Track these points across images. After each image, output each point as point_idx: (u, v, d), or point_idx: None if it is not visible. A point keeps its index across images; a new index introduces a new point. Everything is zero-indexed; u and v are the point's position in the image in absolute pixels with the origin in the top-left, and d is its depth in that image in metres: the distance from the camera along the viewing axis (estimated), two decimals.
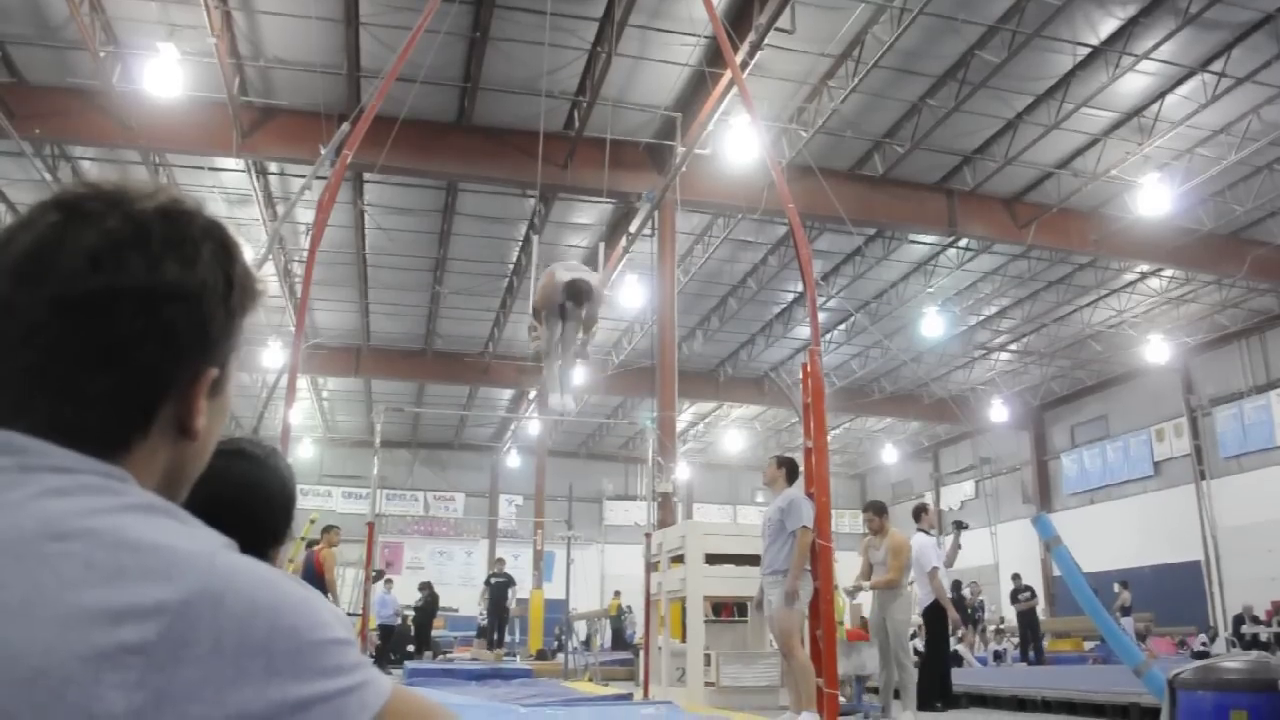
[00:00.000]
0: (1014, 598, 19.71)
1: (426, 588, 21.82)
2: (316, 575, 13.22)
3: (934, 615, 8.87)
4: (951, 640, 19.07)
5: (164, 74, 13.49)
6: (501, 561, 22.08)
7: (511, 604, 21.27)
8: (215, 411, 0.84)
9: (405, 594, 22.78)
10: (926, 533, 9.50)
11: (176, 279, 0.77)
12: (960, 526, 10.96)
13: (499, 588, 20.53)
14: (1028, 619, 19.43)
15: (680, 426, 24.42)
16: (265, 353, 22.47)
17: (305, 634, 0.69)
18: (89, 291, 0.74)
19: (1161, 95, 15.06)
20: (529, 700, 9.75)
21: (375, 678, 0.72)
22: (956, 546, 10.53)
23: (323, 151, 10.93)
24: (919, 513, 9.99)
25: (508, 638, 27.20)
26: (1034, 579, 22.93)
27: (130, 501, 0.72)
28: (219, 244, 0.82)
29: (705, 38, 13.63)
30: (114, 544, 0.67)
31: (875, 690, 9.47)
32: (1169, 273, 21.35)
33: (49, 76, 14.40)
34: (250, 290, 0.85)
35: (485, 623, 21.25)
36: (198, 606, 0.65)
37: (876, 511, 9.01)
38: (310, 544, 13.89)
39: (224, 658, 0.65)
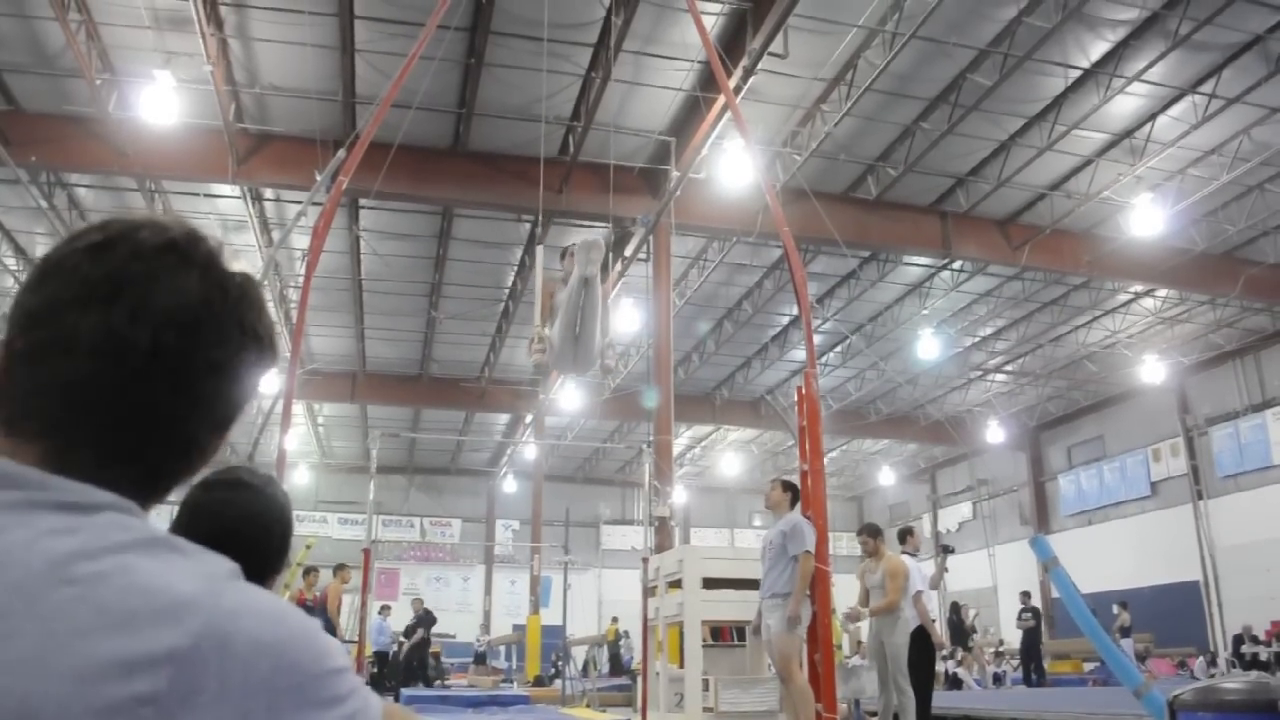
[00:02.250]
0: (1018, 617, 19.67)
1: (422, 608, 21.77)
2: (324, 608, 13.48)
3: (918, 640, 8.83)
4: (950, 663, 19.19)
5: (160, 101, 13.52)
6: (420, 601, 21.54)
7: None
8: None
9: (402, 620, 22.65)
10: (912, 555, 9.48)
11: (255, 356, 0.81)
12: (946, 550, 10.94)
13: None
14: (1027, 640, 19.35)
15: (677, 450, 24.38)
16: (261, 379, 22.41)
17: (307, 668, 0.69)
18: (208, 361, 0.77)
19: (1153, 117, 15.15)
20: None
21: (367, 703, 0.73)
22: (943, 570, 10.50)
23: (318, 178, 10.98)
24: (904, 535, 9.97)
25: (504, 664, 27.14)
26: (1033, 600, 22.88)
27: (136, 538, 0.71)
28: (268, 324, 0.84)
29: (699, 63, 13.70)
30: (123, 588, 0.66)
31: (874, 714, 9.43)
32: (1163, 293, 21.40)
33: (45, 104, 14.44)
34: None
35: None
36: (205, 650, 0.65)
37: (871, 534, 8.97)
38: (306, 571, 13.94)
39: (230, 700, 0.65)
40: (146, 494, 0.77)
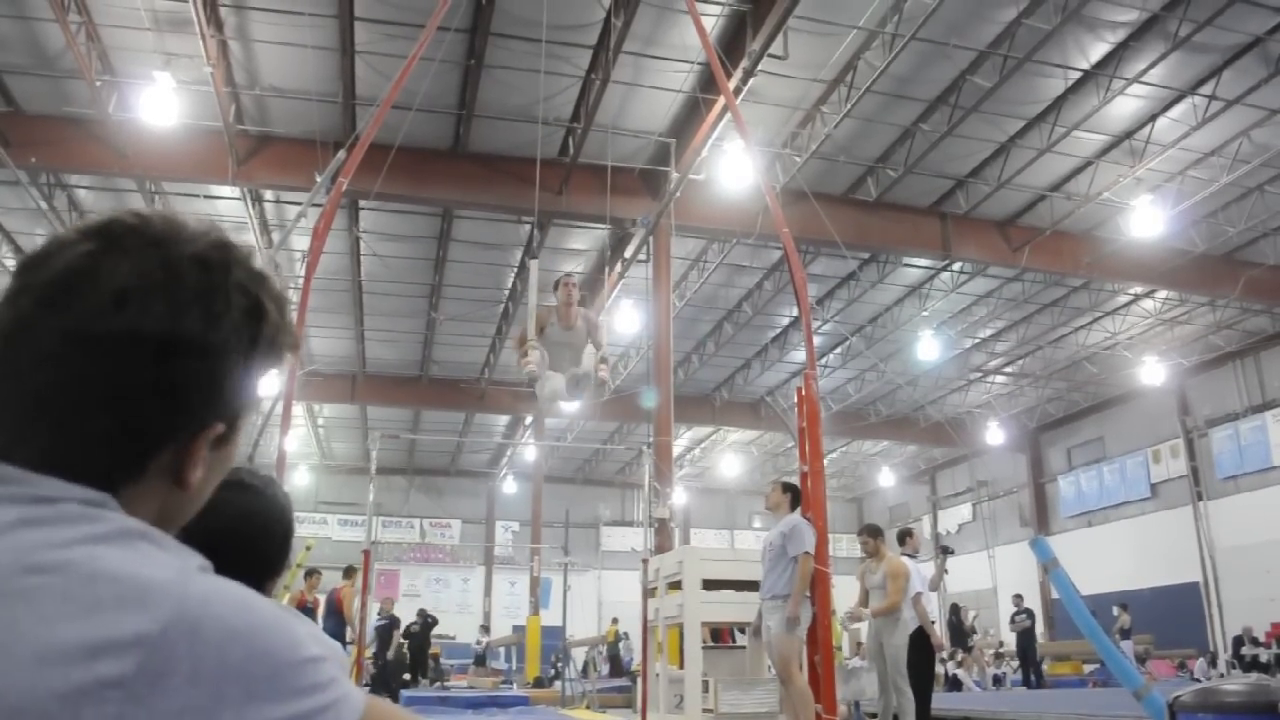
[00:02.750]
0: (1012, 619, 19.68)
1: (422, 614, 21.75)
2: (337, 610, 13.50)
3: (918, 642, 8.83)
4: (950, 665, 19.18)
5: (160, 103, 13.53)
6: (390, 601, 20.83)
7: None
8: (217, 462, 0.83)
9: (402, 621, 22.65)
10: (911, 557, 9.48)
11: (197, 332, 0.76)
12: (946, 552, 10.93)
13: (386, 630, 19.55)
14: (1022, 641, 19.38)
15: (677, 451, 24.39)
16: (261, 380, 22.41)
17: (281, 655, 0.68)
18: (105, 331, 0.73)
19: (1152, 118, 15.16)
20: None
21: (348, 693, 0.72)
22: (942, 571, 10.49)
23: (318, 179, 10.99)
24: (903, 537, 9.97)
25: (504, 665, 27.13)
26: (1033, 602, 22.85)
27: (106, 529, 0.71)
28: (253, 300, 0.80)
29: (699, 64, 13.70)
30: (89, 575, 0.66)
31: (874, 715, 9.42)
32: (1163, 294, 21.41)
33: (45, 105, 14.44)
34: (278, 348, 0.83)
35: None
36: (174, 636, 0.65)
37: (871, 534, 8.96)
38: (308, 573, 13.96)
39: (202, 686, 0.64)
40: (113, 483, 0.75)
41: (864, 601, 8.81)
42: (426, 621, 21.43)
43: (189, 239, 0.79)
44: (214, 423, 0.79)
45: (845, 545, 32.28)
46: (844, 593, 12.21)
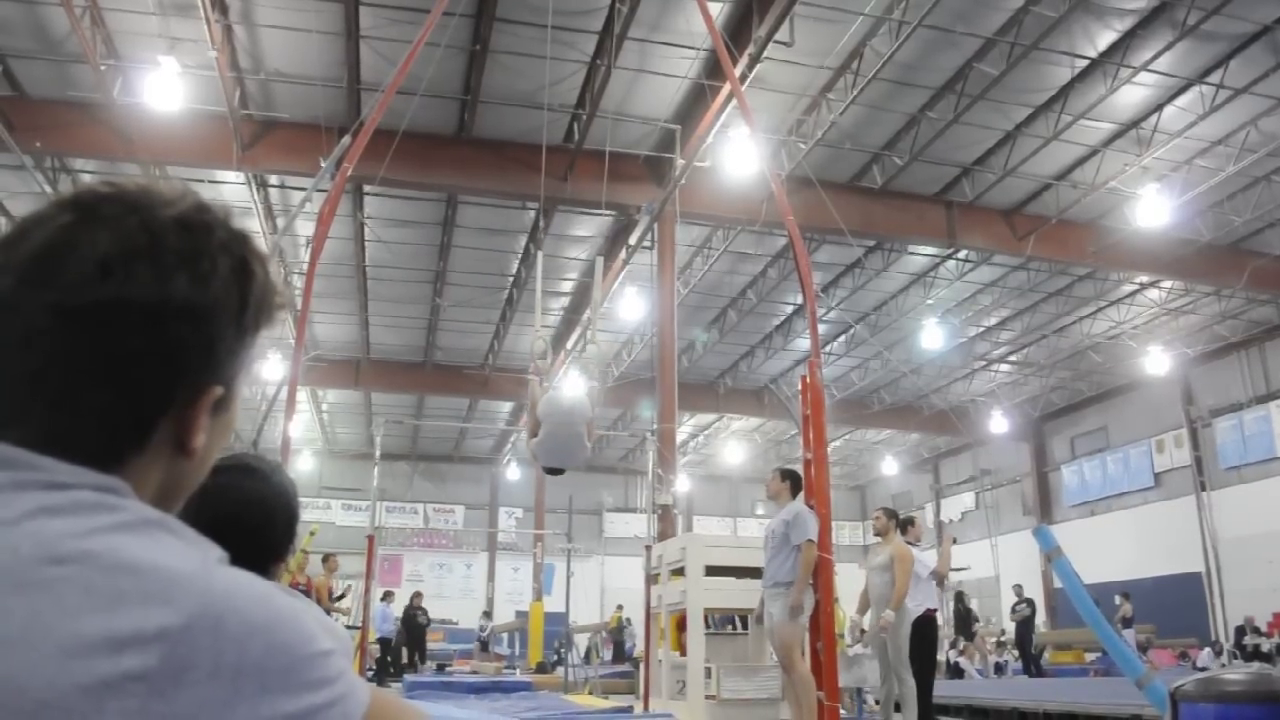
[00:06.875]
0: (1013, 609, 19.74)
1: (418, 596, 21.96)
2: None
3: (920, 630, 8.84)
4: (952, 653, 19.22)
5: (165, 87, 13.51)
6: (391, 595, 20.61)
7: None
8: (218, 428, 0.82)
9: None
10: (914, 545, 9.48)
11: (186, 296, 0.75)
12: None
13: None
14: (1020, 631, 19.44)
15: (680, 438, 24.39)
16: (265, 365, 22.46)
17: (296, 650, 0.69)
18: (93, 301, 0.72)
19: (1160, 107, 15.10)
20: (529, 713, 9.73)
21: (355, 687, 0.72)
22: (950, 543, 10.51)
23: (323, 164, 10.97)
24: (906, 525, 9.97)
25: (507, 651, 27.21)
26: (1035, 591, 22.88)
27: (126, 519, 0.70)
28: (238, 260, 0.80)
29: (704, 50, 13.66)
30: (112, 567, 0.66)
31: (877, 702, 9.45)
32: (1168, 284, 21.36)
33: (50, 90, 14.43)
34: (268, 307, 0.82)
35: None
36: (197, 630, 0.65)
37: (888, 515, 8.99)
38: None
39: (222, 680, 0.65)
40: (118, 456, 0.75)
41: (868, 592, 8.82)
42: (422, 606, 21.62)
43: (167, 203, 0.78)
44: (212, 386, 0.78)
45: (848, 533, 32.37)
46: (845, 581, 12.24)
